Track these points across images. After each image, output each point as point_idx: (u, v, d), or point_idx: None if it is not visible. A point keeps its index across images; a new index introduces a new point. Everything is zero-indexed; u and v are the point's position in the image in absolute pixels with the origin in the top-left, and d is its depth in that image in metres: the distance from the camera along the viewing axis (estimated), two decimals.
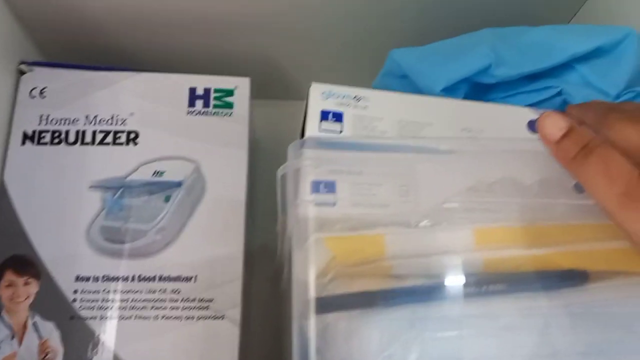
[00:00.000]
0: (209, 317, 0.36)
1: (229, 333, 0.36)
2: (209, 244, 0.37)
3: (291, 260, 0.26)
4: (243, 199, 0.38)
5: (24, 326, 0.34)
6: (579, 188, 0.27)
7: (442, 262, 0.26)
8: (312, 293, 0.24)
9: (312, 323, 0.24)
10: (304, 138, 0.28)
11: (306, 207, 0.26)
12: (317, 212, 0.26)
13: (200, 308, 0.36)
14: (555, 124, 0.24)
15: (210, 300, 0.36)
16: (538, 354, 0.25)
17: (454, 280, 0.25)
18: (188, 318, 0.36)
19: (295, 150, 0.26)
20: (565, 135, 0.24)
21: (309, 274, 0.25)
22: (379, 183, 0.26)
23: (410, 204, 0.26)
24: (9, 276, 0.35)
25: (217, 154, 0.39)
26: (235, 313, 0.36)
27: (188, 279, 0.36)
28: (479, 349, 0.25)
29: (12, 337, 0.34)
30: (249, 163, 0.40)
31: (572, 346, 0.25)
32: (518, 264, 0.26)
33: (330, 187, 0.26)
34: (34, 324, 0.34)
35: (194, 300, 0.36)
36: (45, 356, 0.34)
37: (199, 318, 0.36)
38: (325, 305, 0.24)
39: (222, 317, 0.36)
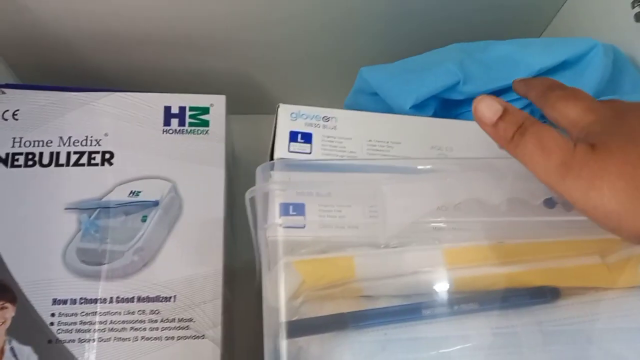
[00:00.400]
0: (189, 337, 0.36)
1: (210, 353, 0.36)
2: (188, 263, 0.37)
3: (260, 283, 0.26)
4: (221, 217, 0.38)
5: (1, 351, 0.34)
6: (548, 204, 0.27)
7: (413, 282, 0.26)
8: (283, 317, 0.24)
9: (284, 347, 0.24)
10: (273, 161, 0.28)
11: (275, 230, 0.25)
12: (286, 235, 0.26)
13: (180, 328, 0.36)
14: (490, 107, 0.25)
15: (190, 320, 0.36)
16: None
17: (426, 301, 0.25)
18: (168, 338, 0.35)
19: (264, 173, 0.26)
20: (500, 118, 0.24)
21: (279, 297, 0.25)
22: (348, 204, 0.26)
23: (380, 224, 0.26)
24: None
25: (194, 172, 0.39)
26: (216, 332, 0.36)
27: (167, 299, 0.36)
28: None
29: None
30: (227, 180, 0.40)
31: None
32: (489, 282, 0.26)
33: (299, 209, 0.26)
34: (11, 349, 0.34)
35: (173, 320, 0.36)
36: None
37: (179, 338, 0.35)
38: (296, 329, 0.24)
39: (203, 337, 0.36)
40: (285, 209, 0.26)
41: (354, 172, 0.27)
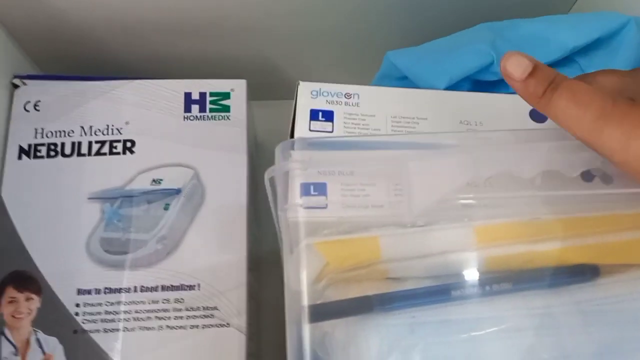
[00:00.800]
0: (214, 326, 0.35)
1: (235, 341, 0.35)
2: (212, 251, 0.36)
3: (283, 266, 0.25)
4: (244, 204, 0.38)
5: (27, 342, 0.34)
6: (586, 177, 0.25)
7: (442, 262, 0.24)
8: (305, 301, 0.23)
9: (307, 332, 0.23)
10: (293, 139, 0.27)
11: (296, 210, 0.24)
12: (308, 216, 0.25)
13: (204, 317, 0.35)
14: (520, 64, 0.24)
15: (215, 308, 0.35)
16: (548, 357, 0.23)
17: (455, 281, 0.24)
18: (193, 327, 0.35)
19: (283, 152, 0.25)
20: (530, 75, 0.24)
21: (301, 281, 0.24)
22: (372, 183, 0.25)
23: (406, 203, 0.24)
24: (10, 292, 0.35)
25: (216, 159, 0.38)
26: (241, 320, 0.35)
27: (191, 288, 0.36)
28: (484, 353, 0.23)
29: (16, 354, 0.34)
30: (250, 166, 0.39)
31: (585, 347, 0.24)
32: (523, 261, 0.25)
33: (320, 189, 0.25)
34: (37, 340, 0.34)
35: (198, 309, 0.35)
36: None
37: (204, 327, 0.35)
38: (320, 313, 0.23)
39: (228, 325, 0.35)
40: (306, 189, 0.25)
41: (377, 150, 0.26)
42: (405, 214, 0.25)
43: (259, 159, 0.46)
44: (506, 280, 0.24)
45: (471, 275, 0.24)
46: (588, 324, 0.24)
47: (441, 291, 0.24)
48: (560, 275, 0.24)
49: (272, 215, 0.32)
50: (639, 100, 0.22)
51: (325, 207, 0.25)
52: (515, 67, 0.24)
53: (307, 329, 0.23)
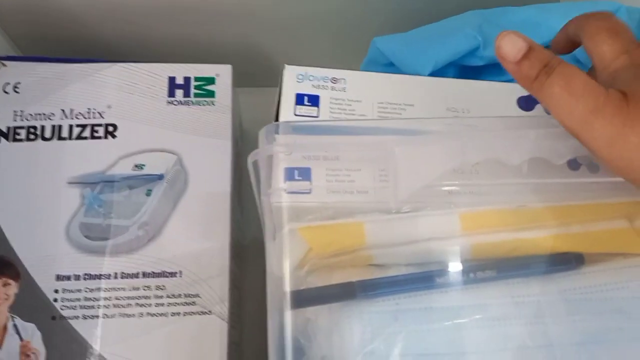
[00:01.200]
0: (196, 313, 0.35)
1: (217, 329, 0.35)
2: (194, 238, 0.36)
3: (265, 252, 0.24)
4: (228, 191, 0.37)
5: (4, 328, 0.33)
6: (572, 165, 0.25)
7: (427, 249, 0.24)
8: (287, 287, 0.23)
9: (289, 318, 0.23)
10: (277, 122, 0.26)
11: (279, 195, 0.24)
12: (291, 201, 0.24)
13: (186, 304, 0.35)
14: (514, 44, 0.23)
15: (197, 296, 0.35)
16: (531, 346, 0.23)
17: (440, 269, 0.24)
18: (174, 314, 0.34)
19: (267, 135, 0.25)
20: (525, 56, 0.23)
21: (283, 266, 0.23)
22: (357, 168, 0.25)
23: (391, 189, 0.24)
24: None
25: (200, 144, 0.37)
26: (223, 308, 0.35)
27: (173, 275, 0.35)
28: (467, 341, 0.23)
29: None
30: (234, 153, 0.39)
31: (568, 336, 0.23)
32: (508, 248, 0.25)
33: (305, 174, 0.25)
34: (15, 326, 0.33)
35: (179, 296, 0.35)
36: (27, 358, 0.33)
37: (185, 314, 0.34)
38: (302, 299, 0.23)
39: (210, 313, 0.35)
40: (290, 174, 0.24)
41: (363, 135, 0.25)
42: (390, 200, 0.24)
43: (244, 146, 0.46)
44: (491, 267, 0.24)
45: (455, 262, 0.24)
46: (572, 312, 0.24)
47: (425, 278, 0.24)
48: (545, 264, 0.24)
49: (257, 203, 0.32)
50: (631, 91, 0.21)
51: (309, 192, 0.24)
52: (510, 48, 0.23)
53: (289, 315, 0.22)
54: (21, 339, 0.33)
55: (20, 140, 0.36)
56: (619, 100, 0.21)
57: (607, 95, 0.21)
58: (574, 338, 0.23)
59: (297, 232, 0.24)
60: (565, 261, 0.24)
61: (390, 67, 0.36)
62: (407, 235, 0.24)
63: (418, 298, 0.24)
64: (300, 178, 0.24)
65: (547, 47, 0.34)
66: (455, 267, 0.24)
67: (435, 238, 0.24)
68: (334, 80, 0.30)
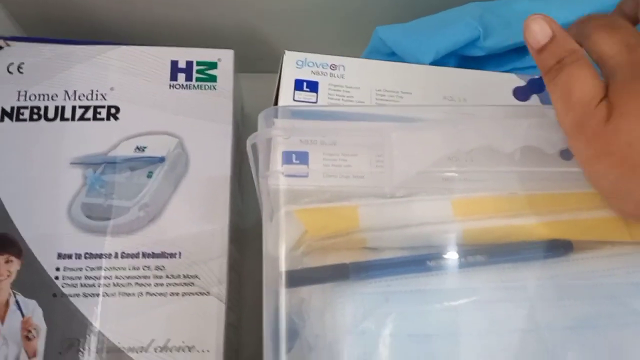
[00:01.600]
0: (195, 294, 0.35)
1: (215, 310, 0.35)
2: (194, 220, 0.36)
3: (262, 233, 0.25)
4: (228, 175, 0.38)
5: (6, 304, 0.34)
6: (564, 155, 0.26)
7: (419, 233, 0.25)
8: (283, 267, 0.24)
9: (283, 297, 0.23)
10: (276, 106, 0.27)
11: (277, 178, 0.25)
12: (289, 184, 0.25)
13: (185, 284, 0.35)
14: (541, 29, 0.23)
15: (195, 277, 0.36)
16: (521, 330, 0.24)
17: (431, 253, 0.24)
18: (173, 294, 0.35)
19: (266, 119, 0.25)
20: (545, 46, 0.23)
21: (279, 247, 0.24)
22: (354, 153, 0.25)
23: (386, 174, 0.25)
24: None
25: (201, 128, 0.38)
26: (221, 290, 0.35)
27: (172, 256, 0.36)
28: (457, 323, 0.24)
29: None
30: (234, 138, 0.39)
31: (558, 320, 0.24)
32: (499, 235, 0.25)
33: (302, 157, 0.25)
34: (16, 302, 0.34)
35: (178, 276, 0.35)
36: (28, 334, 0.34)
37: (184, 294, 0.35)
38: (297, 278, 0.24)
39: (208, 294, 0.35)
40: (288, 157, 0.25)
41: (360, 121, 0.26)
42: (385, 184, 0.25)
43: (246, 131, 0.46)
44: (482, 252, 0.25)
45: (447, 247, 0.25)
46: (562, 297, 0.24)
47: (417, 261, 0.24)
48: (535, 250, 0.25)
49: (256, 187, 0.33)
50: (620, 103, 0.21)
51: (306, 176, 0.25)
52: (536, 32, 0.23)
53: (284, 293, 0.23)
54: (23, 315, 0.34)
55: (24, 120, 0.37)
56: (601, 121, 0.22)
57: (592, 113, 0.22)
58: (564, 322, 0.24)
59: (293, 214, 0.24)
60: (555, 248, 0.25)
61: (392, 56, 0.36)
62: (401, 219, 0.25)
63: (409, 281, 0.24)
64: (297, 162, 0.25)
65: None
66: (447, 251, 0.24)
67: (427, 223, 0.25)
68: (333, 66, 0.30)
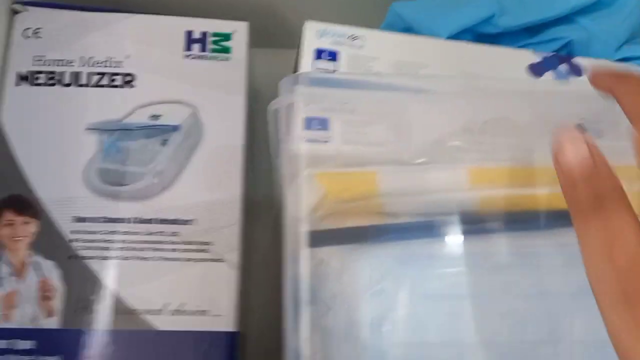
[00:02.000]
0: (208, 260, 0.36)
1: (227, 276, 0.36)
2: (207, 188, 0.37)
3: (282, 197, 0.26)
4: (240, 144, 0.38)
5: (24, 265, 0.35)
6: (579, 128, 0.26)
7: (435, 200, 0.25)
8: (305, 227, 0.24)
9: (305, 256, 0.24)
10: (298, 73, 0.27)
11: (298, 143, 0.25)
12: (310, 149, 0.25)
13: (199, 251, 0.36)
14: (579, 154, 0.19)
15: (209, 244, 0.36)
16: (529, 293, 0.25)
17: (447, 218, 0.25)
18: (187, 260, 0.36)
19: (287, 86, 0.26)
20: (584, 174, 0.19)
21: (301, 209, 0.25)
22: (373, 122, 0.26)
23: (404, 143, 0.25)
24: (9, 215, 0.35)
25: (215, 99, 0.38)
26: (234, 256, 0.36)
27: (186, 222, 0.36)
28: (469, 286, 0.25)
29: (13, 275, 0.35)
30: (247, 109, 0.40)
31: (565, 286, 0.25)
32: (513, 203, 0.26)
33: (323, 124, 0.26)
34: (34, 263, 0.35)
35: (192, 243, 0.36)
36: (45, 294, 0.34)
37: (198, 260, 0.36)
38: (318, 239, 0.25)
39: (221, 260, 0.36)
40: (309, 123, 0.26)
41: (379, 91, 0.27)
42: (403, 152, 0.26)
43: (257, 105, 0.46)
44: (495, 220, 0.25)
45: (463, 213, 0.25)
46: (570, 265, 0.25)
47: (432, 227, 0.25)
48: (546, 219, 0.26)
49: (268, 164, 0.33)
50: None
51: (326, 142, 0.26)
52: (569, 158, 0.19)
53: (305, 252, 0.24)
54: (40, 275, 0.35)
55: (40, 84, 0.37)
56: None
57: (632, 294, 0.17)
58: (569, 289, 0.25)
59: (314, 178, 0.25)
60: (566, 217, 0.26)
61: (408, 32, 0.36)
62: (417, 186, 0.26)
63: (425, 245, 0.25)
64: (318, 128, 0.26)
65: (562, 18, 0.35)
66: (462, 217, 0.25)
67: (444, 190, 0.26)
68: (353, 37, 0.30)
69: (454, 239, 0.25)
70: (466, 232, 0.25)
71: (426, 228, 0.25)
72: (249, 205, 0.42)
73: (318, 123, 0.26)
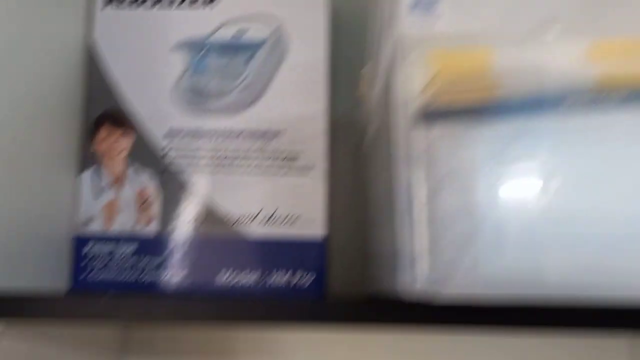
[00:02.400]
0: (296, 171, 0.36)
1: (314, 186, 0.36)
2: (292, 101, 0.37)
3: (389, 81, 0.25)
4: (323, 57, 0.38)
5: (122, 176, 0.36)
6: None
7: (552, 77, 0.25)
8: (417, 104, 0.24)
9: (419, 132, 0.24)
10: None
11: (407, 23, 0.25)
12: (419, 28, 0.25)
13: (289, 159, 0.36)
14: None
15: (296, 156, 0.37)
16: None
17: (562, 96, 0.24)
18: (276, 171, 0.36)
19: None
20: None
21: (413, 87, 0.24)
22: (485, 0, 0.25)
23: (519, 16, 0.25)
24: (107, 128, 0.36)
25: (297, 14, 0.38)
26: (320, 168, 0.36)
27: (273, 135, 0.37)
28: (581, 165, 0.24)
29: (112, 186, 0.36)
30: (329, 25, 0.39)
31: None
32: (636, 80, 0.25)
33: (432, 1, 0.25)
34: (131, 173, 0.36)
35: (279, 155, 0.36)
36: (144, 202, 0.35)
37: (285, 173, 0.36)
38: (432, 115, 0.24)
39: (308, 172, 0.36)
40: (417, 1, 0.25)
41: None
42: (518, 28, 0.25)
43: (338, 28, 0.46)
44: (616, 96, 0.24)
45: (581, 90, 0.24)
46: None
47: (549, 103, 0.24)
48: None
49: (348, 84, 0.32)
50: None
51: (437, 19, 0.25)
52: None
53: (419, 128, 0.23)
54: (138, 186, 0.36)
55: (125, 7, 0.38)
56: None
57: None
58: None
59: (425, 56, 0.25)
60: None
61: None
62: (533, 63, 0.25)
63: (540, 123, 0.24)
64: (428, 4, 0.25)
65: None
66: (579, 94, 0.24)
67: (562, 66, 0.25)
68: None
69: (571, 116, 0.24)
70: (584, 109, 0.24)
71: (541, 105, 0.24)
72: (330, 122, 0.42)
73: (425, 4, 0.25)
